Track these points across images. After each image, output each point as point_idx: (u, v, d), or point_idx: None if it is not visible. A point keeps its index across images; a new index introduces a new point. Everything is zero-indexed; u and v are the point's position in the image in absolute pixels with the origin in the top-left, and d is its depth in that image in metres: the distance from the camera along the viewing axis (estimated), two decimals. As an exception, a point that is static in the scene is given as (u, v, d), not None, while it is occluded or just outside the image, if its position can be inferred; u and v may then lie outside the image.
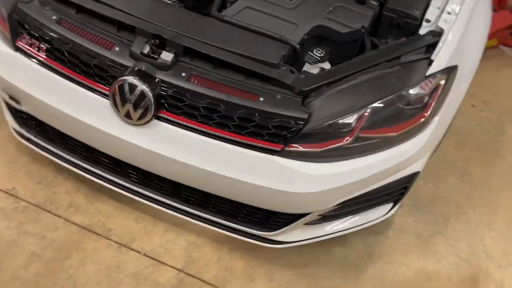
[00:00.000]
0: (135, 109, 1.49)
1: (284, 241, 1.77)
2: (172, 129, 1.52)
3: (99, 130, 1.56)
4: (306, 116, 1.46)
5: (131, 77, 1.47)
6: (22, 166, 2.09)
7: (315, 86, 1.48)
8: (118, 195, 2.00)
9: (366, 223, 1.81)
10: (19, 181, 2.04)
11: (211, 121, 1.49)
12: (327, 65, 1.58)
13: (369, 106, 1.48)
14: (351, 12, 1.64)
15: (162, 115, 1.52)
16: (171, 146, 1.53)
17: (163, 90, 1.49)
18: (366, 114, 1.49)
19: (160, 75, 1.49)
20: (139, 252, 1.91)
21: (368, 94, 1.50)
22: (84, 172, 1.84)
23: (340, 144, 1.50)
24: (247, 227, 1.74)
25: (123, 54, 1.51)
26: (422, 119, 1.57)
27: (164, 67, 1.49)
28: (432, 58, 1.56)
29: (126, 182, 1.78)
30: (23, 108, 1.73)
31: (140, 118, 1.50)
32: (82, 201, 2.01)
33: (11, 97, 1.72)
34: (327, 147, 1.50)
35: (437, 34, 1.60)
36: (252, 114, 1.46)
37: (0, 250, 1.84)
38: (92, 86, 1.55)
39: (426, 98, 1.55)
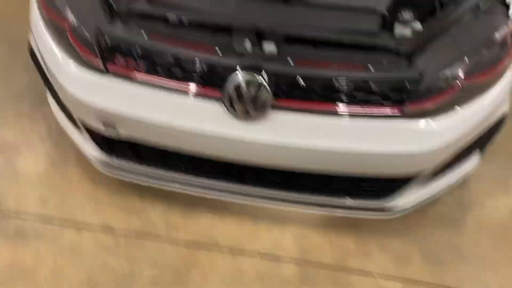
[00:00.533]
0: (253, 105, 1.50)
1: (398, 207, 1.82)
2: (292, 116, 1.54)
3: (217, 136, 1.55)
4: (417, 75, 1.52)
5: (244, 73, 1.48)
6: (105, 201, 2.02)
7: (415, 45, 1.54)
8: (212, 206, 1.99)
9: (466, 173, 1.89)
10: (109, 215, 1.98)
11: (329, 100, 1.52)
12: (418, 25, 1.64)
13: (468, 54, 1.56)
14: None
15: (279, 104, 1.53)
16: (294, 133, 1.54)
17: (277, 80, 1.50)
18: (467, 63, 1.56)
19: (269, 66, 1.50)
20: (254, 254, 1.90)
21: (464, 44, 1.58)
22: (187, 187, 1.81)
23: (452, 95, 1.56)
24: (364, 200, 1.77)
25: (227, 54, 1.51)
26: (510, 59, 1.67)
27: (271, 58, 1.51)
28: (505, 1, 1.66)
29: (237, 185, 1.77)
30: (122, 134, 1.69)
31: (259, 112, 1.51)
32: (179, 219, 1.98)
33: (106, 126, 1.68)
34: (441, 100, 1.56)
35: None
36: (367, 83, 1.51)
37: (121, 284, 1.78)
38: (201, 93, 1.55)
39: (510, 39, 1.65)
